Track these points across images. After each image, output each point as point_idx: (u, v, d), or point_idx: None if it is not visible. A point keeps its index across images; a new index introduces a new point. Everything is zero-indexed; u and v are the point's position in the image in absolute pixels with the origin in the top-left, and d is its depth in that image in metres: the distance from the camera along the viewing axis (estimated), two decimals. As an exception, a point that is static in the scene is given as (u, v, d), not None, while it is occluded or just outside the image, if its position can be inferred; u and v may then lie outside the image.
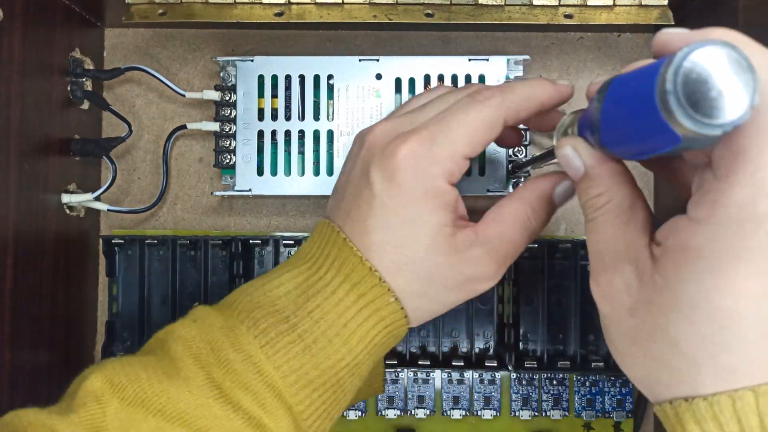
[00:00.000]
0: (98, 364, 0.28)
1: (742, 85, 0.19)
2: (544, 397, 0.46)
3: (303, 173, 0.43)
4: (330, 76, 0.43)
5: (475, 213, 0.32)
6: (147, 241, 0.45)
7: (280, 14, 0.41)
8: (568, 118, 0.29)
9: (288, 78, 0.43)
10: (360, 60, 0.43)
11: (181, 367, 0.28)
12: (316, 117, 0.43)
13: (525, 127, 0.42)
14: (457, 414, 0.46)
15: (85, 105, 0.45)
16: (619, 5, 0.41)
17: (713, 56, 0.20)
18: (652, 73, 0.21)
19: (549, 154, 0.33)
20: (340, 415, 0.31)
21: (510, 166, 0.43)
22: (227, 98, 0.43)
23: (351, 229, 0.30)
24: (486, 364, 0.43)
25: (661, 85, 0.20)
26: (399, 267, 0.29)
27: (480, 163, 0.42)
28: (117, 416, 0.26)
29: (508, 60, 0.43)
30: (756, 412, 0.22)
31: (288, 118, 0.43)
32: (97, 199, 0.45)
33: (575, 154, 0.27)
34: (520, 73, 0.43)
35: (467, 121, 0.29)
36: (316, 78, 0.43)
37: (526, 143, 0.42)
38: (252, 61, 0.43)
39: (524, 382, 0.46)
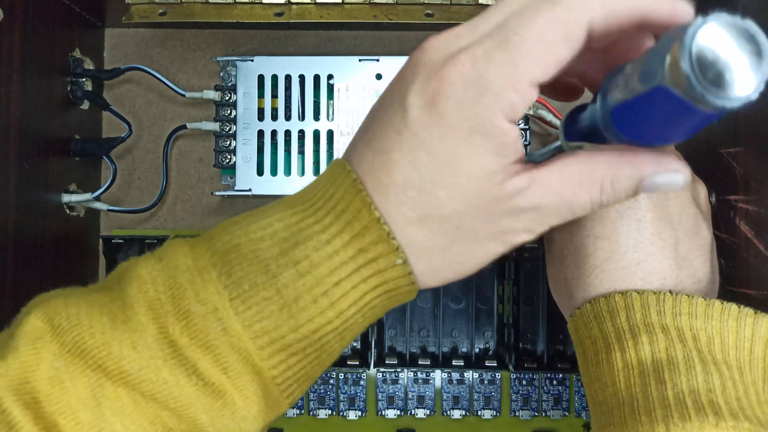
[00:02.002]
0: (46, 297, 0.25)
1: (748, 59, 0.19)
2: (544, 397, 0.46)
3: (303, 173, 0.43)
4: (330, 76, 0.43)
5: None
6: (147, 241, 0.45)
7: (280, 14, 0.41)
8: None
9: (288, 78, 0.43)
10: (360, 60, 0.43)
11: (131, 315, 0.23)
12: (316, 117, 0.43)
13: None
14: (457, 414, 0.46)
15: (85, 105, 0.45)
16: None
17: (716, 33, 0.19)
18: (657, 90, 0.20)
19: (557, 150, 0.29)
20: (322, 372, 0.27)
21: None
22: (227, 98, 0.43)
23: (369, 164, 0.24)
24: (486, 364, 0.43)
25: (677, 81, 0.19)
26: (421, 218, 0.23)
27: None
28: (52, 365, 0.22)
29: (508, 60, 0.43)
30: None
31: (288, 118, 0.43)
32: (97, 199, 0.45)
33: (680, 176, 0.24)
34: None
35: (535, 30, 0.21)
36: (316, 78, 0.43)
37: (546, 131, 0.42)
38: (252, 61, 0.43)
39: (524, 382, 0.46)
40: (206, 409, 0.23)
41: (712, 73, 0.19)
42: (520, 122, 0.44)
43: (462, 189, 0.23)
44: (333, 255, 0.23)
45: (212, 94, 0.44)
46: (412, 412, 0.46)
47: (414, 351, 0.45)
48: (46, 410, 0.22)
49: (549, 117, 0.42)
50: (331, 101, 0.43)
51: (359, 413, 0.46)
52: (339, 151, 0.43)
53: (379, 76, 0.43)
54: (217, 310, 0.23)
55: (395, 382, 0.46)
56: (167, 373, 0.23)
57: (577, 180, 0.23)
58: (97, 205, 0.45)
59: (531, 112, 0.43)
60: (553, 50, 0.21)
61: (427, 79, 0.23)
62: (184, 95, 0.45)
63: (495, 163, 0.23)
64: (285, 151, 0.43)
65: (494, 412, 0.46)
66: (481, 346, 0.45)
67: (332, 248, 0.23)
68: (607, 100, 0.23)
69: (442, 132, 0.22)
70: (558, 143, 0.27)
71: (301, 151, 0.43)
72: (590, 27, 0.21)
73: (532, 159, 0.36)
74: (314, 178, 0.43)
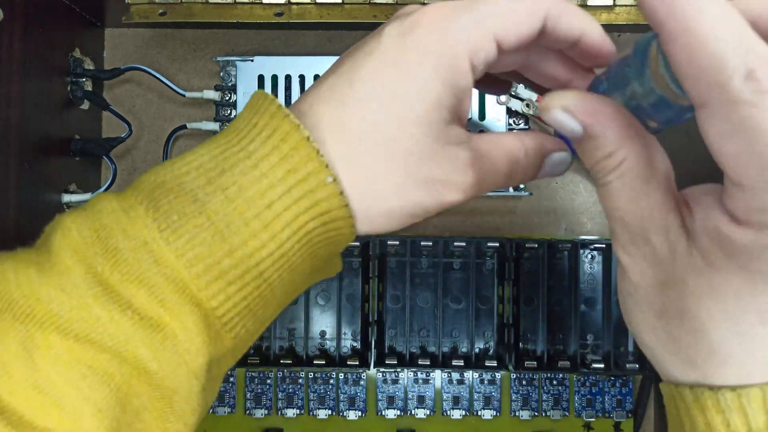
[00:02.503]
0: None
1: None
2: (544, 397, 0.46)
3: (303, 173, 0.43)
4: (330, 76, 0.43)
5: None
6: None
7: (280, 14, 0.41)
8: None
9: (288, 78, 0.43)
10: (360, 60, 0.43)
11: (56, 261, 0.22)
12: (316, 117, 0.43)
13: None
14: (457, 414, 0.46)
15: (85, 105, 0.45)
16: (619, 5, 0.41)
17: None
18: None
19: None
20: (272, 317, 0.26)
21: None
22: (227, 98, 0.43)
23: (331, 84, 0.24)
24: (486, 364, 0.43)
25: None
26: (373, 139, 0.24)
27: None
28: None
29: (508, 60, 0.43)
30: None
31: (288, 118, 0.43)
32: (97, 199, 0.45)
33: (567, 115, 0.23)
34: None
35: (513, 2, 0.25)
36: (316, 78, 0.43)
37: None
38: (252, 61, 0.43)
39: (524, 382, 0.46)
40: (146, 342, 0.22)
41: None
42: (520, 122, 0.44)
43: (415, 113, 0.24)
44: (261, 178, 0.23)
45: (212, 94, 0.44)
46: (412, 412, 0.46)
47: (414, 351, 0.45)
48: None
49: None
50: (331, 101, 0.43)
51: (359, 413, 0.46)
52: (339, 151, 0.43)
53: (379, 76, 0.43)
54: (147, 243, 0.22)
55: (395, 382, 0.46)
56: (99, 310, 0.22)
57: (504, 151, 0.26)
58: (97, 205, 0.45)
59: (531, 112, 0.43)
60: (516, 19, 0.24)
61: (404, 16, 0.25)
62: (184, 95, 0.45)
63: (446, 98, 0.24)
64: (285, 151, 0.43)
65: (494, 412, 0.46)
66: (481, 346, 0.45)
67: (260, 171, 0.23)
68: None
69: (411, 55, 0.24)
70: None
71: (301, 151, 0.43)
72: (546, 18, 0.25)
73: None
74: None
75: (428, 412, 0.46)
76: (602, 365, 0.43)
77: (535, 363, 0.43)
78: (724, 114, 0.19)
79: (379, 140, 0.24)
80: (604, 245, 0.44)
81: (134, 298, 0.22)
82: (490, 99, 0.43)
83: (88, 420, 0.21)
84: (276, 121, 0.24)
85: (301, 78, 0.43)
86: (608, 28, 0.46)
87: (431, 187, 0.25)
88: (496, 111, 0.43)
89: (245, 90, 0.43)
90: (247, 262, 0.23)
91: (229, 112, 0.43)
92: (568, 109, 0.23)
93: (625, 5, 0.41)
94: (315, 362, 0.44)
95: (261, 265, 0.23)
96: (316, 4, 0.41)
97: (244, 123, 0.25)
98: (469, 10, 0.24)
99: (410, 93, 0.24)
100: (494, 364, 0.43)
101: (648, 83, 0.22)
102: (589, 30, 0.26)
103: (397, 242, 0.44)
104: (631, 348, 0.44)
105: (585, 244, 0.44)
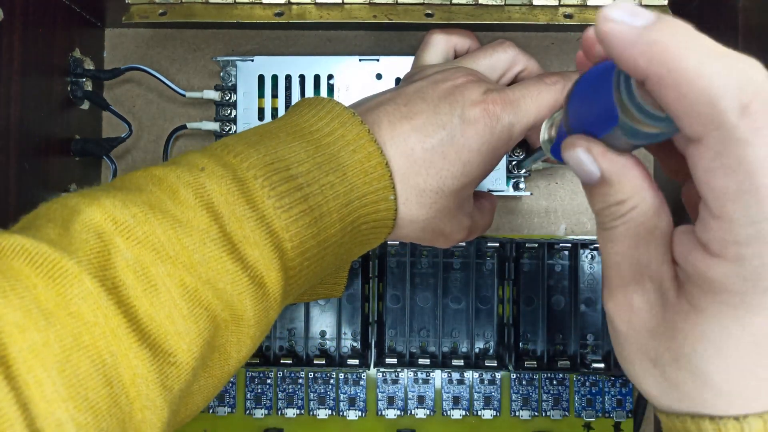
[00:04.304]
0: (87, 195, 0.26)
1: None
2: (544, 397, 0.46)
3: (303, 173, 0.43)
4: (330, 76, 0.43)
5: None
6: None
7: (280, 14, 0.41)
8: (558, 114, 0.28)
9: (288, 78, 0.43)
10: (360, 60, 0.43)
11: (192, 216, 0.27)
12: (316, 117, 0.43)
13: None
14: (457, 414, 0.46)
15: (85, 105, 0.45)
16: (619, 5, 0.41)
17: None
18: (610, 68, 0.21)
19: (540, 151, 0.32)
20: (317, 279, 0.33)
21: (510, 165, 0.43)
22: (227, 98, 0.43)
23: (413, 125, 0.32)
24: (486, 364, 0.43)
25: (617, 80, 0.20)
26: (423, 186, 0.32)
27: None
28: (123, 256, 0.25)
29: (508, 60, 0.43)
30: None
31: (288, 118, 0.43)
32: (97, 199, 0.45)
33: (589, 157, 0.23)
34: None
35: (539, 99, 0.33)
36: (316, 78, 0.43)
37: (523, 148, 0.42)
38: (252, 61, 0.43)
39: (524, 382, 0.46)
40: (252, 294, 0.28)
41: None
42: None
43: (452, 184, 0.33)
44: (351, 189, 0.30)
45: (212, 94, 0.44)
46: (412, 412, 0.46)
47: (414, 351, 0.45)
48: (123, 294, 0.24)
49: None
50: (331, 101, 0.43)
51: (359, 413, 0.46)
52: (339, 151, 0.43)
53: (379, 76, 0.43)
54: (265, 216, 0.28)
55: (395, 382, 0.46)
56: (230, 264, 0.27)
57: (489, 217, 0.39)
58: (97, 205, 0.45)
59: (546, 137, 0.43)
60: (543, 113, 0.34)
61: (473, 104, 0.33)
62: (184, 95, 0.45)
63: (482, 176, 0.34)
64: (285, 151, 0.43)
65: (494, 412, 0.46)
66: (481, 346, 0.45)
67: (348, 180, 0.30)
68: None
69: (468, 146, 0.32)
70: (541, 152, 0.31)
71: (301, 151, 0.43)
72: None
73: (524, 166, 0.38)
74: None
75: (428, 412, 0.46)
76: (602, 365, 0.43)
77: (535, 363, 0.43)
78: (717, 151, 0.19)
79: (424, 188, 0.32)
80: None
81: (250, 258, 0.27)
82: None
83: (193, 338, 0.26)
84: (363, 142, 0.31)
85: (301, 78, 0.43)
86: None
87: (435, 235, 0.34)
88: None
89: (245, 90, 0.43)
90: (321, 245, 0.30)
91: (229, 112, 0.43)
92: (590, 151, 0.23)
93: (625, 5, 0.41)
94: (315, 362, 0.44)
95: (327, 249, 0.30)
96: (316, 4, 0.41)
97: (328, 129, 0.31)
98: (513, 111, 0.33)
99: (457, 172, 0.32)
100: (494, 364, 0.43)
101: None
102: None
103: (397, 242, 0.44)
104: (631, 348, 0.44)
105: (585, 244, 0.44)
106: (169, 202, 0.27)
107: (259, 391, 0.46)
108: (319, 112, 0.32)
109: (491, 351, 0.45)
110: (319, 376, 0.46)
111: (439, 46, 0.39)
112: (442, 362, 0.44)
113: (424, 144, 0.32)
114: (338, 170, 0.30)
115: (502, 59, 0.38)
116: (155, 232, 0.26)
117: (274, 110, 0.43)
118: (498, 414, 0.46)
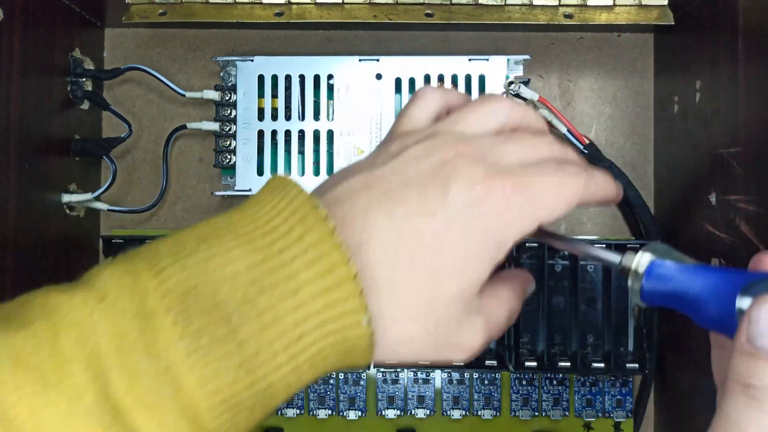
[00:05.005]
0: None
1: None
2: (544, 397, 0.46)
3: (303, 173, 0.43)
4: (330, 76, 0.43)
5: None
6: (147, 241, 0.44)
7: (280, 14, 0.41)
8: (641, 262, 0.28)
9: (288, 78, 0.43)
10: (360, 60, 0.43)
11: (68, 372, 0.20)
12: (316, 117, 0.43)
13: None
14: (457, 414, 0.46)
15: (85, 105, 0.45)
16: (619, 5, 0.41)
17: None
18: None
19: (610, 260, 0.29)
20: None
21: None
22: (227, 98, 0.43)
23: (377, 224, 0.25)
24: (486, 364, 0.43)
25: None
26: (416, 296, 0.25)
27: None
28: None
29: (508, 60, 0.43)
30: None
31: (288, 118, 0.43)
32: (97, 199, 0.45)
33: None
34: (520, 73, 0.43)
35: (561, 191, 0.27)
36: (316, 78, 0.43)
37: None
38: (252, 61, 0.43)
39: (524, 382, 0.46)
40: None
41: None
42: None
43: (451, 286, 0.25)
44: (299, 307, 0.22)
45: (212, 94, 0.44)
46: (412, 412, 0.46)
47: (414, 351, 0.45)
48: None
49: (555, 121, 0.43)
50: (331, 101, 0.43)
51: (359, 413, 0.46)
52: (339, 151, 0.43)
53: (379, 76, 0.43)
54: (170, 367, 0.21)
55: (395, 382, 0.46)
56: None
57: (505, 303, 0.28)
58: (98, 205, 0.45)
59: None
60: (561, 210, 0.27)
61: (471, 184, 0.26)
62: (184, 95, 0.45)
63: (486, 274, 0.26)
64: (285, 151, 0.43)
65: (494, 412, 0.46)
66: (481, 346, 0.45)
67: (299, 300, 0.22)
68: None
69: (469, 237, 0.25)
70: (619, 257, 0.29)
71: (301, 151, 0.43)
72: (580, 200, 0.28)
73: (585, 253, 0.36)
74: (315, 178, 0.43)
75: (428, 412, 0.46)
76: (602, 365, 0.43)
77: (535, 363, 0.43)
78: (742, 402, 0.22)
79: (415, 298, 0.25)
80: (604, 245, 0.44)
81: (142, 428, 0.21)
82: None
83: None
84: (326, 246, 0.23)
85: (301, 78, 0.43)
86: (608, 28, 0.46)
87: (445, 348, 0.26)
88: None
89: (245, 90, 0.43)
90: (263, 393, 0.22)
91: (229, 112, 0.43)
92: None
93: (625, 5, 0.41)
94: (315, 362, 0.44)
95: (275, 394, 0.23)
96: (316, 4, 0.41)
97: (284, 229, 0.24)
98: (527, 197, 0.26)
99: (456, 272, 0.25)
100: (494, 364, 0.43)
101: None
102: (606, 193, 0.29)
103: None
104: (631, 348, 0.44)
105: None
106: (46, 349, 0.21)
107: (259, 391, 0.46)
108: (279, 202, 0.25)
109: (491, 351, 0.45)
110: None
111: (432, 103, 0.30)
112: (442, 362, 0.44)
113: (410, 241, 0.25)
114: (287, 289, 0.23)
115: (494, 117, 0.29)
116: (9, 399, 0.20)
117: (274, 110, 0.43)
118: (498, 414, 0.46)
